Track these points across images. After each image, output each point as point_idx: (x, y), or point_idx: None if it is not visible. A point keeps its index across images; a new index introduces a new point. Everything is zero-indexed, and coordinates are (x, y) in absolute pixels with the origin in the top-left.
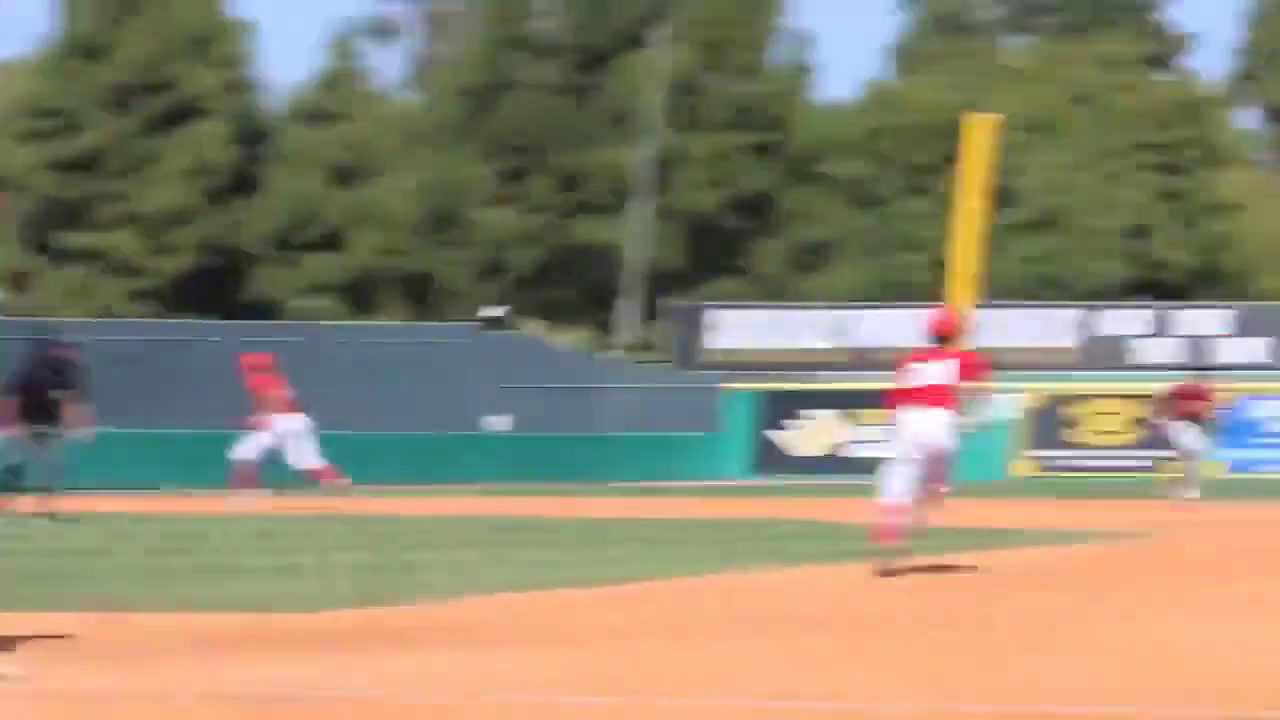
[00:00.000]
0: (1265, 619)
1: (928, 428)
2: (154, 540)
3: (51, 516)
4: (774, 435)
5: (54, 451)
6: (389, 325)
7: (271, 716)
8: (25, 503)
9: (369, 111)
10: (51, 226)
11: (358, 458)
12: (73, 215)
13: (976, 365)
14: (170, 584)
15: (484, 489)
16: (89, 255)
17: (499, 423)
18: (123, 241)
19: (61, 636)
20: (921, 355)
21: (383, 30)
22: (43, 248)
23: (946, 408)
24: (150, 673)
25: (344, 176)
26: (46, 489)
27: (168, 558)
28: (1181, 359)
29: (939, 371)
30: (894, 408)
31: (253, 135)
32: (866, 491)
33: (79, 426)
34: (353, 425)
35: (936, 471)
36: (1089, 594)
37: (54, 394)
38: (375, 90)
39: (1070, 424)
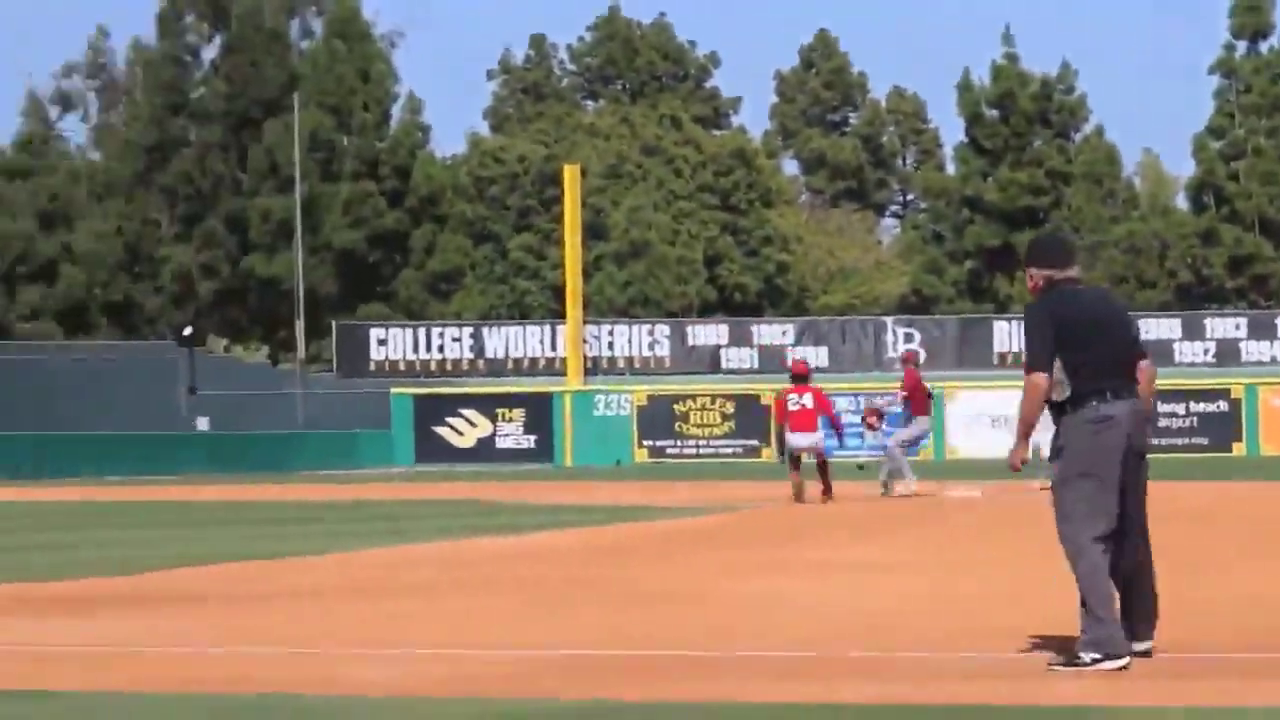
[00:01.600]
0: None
1: (806, 440)
2: None
3: None
4: (435, 430)
5: None
6: (102, 344)
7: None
8: None
9: (62, 166)
10: None
11: (83, 455)
12: None
13: (825, 397)
14: None
15: (187, 480)
16: None
17: (201, 423)
18: None
19: None
20: (791, 390)
21: (66, 101)
22: None
23: (813, 428)
24: None
25: (49, 221)
26: None
27: None
28: (756, 365)
29: (807, 401)
30: (783, 425)
31: None
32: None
33: None
34: (76, 428)
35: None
36: (696, 556)
37: None
38: (65, 149)
39: (676, 419)
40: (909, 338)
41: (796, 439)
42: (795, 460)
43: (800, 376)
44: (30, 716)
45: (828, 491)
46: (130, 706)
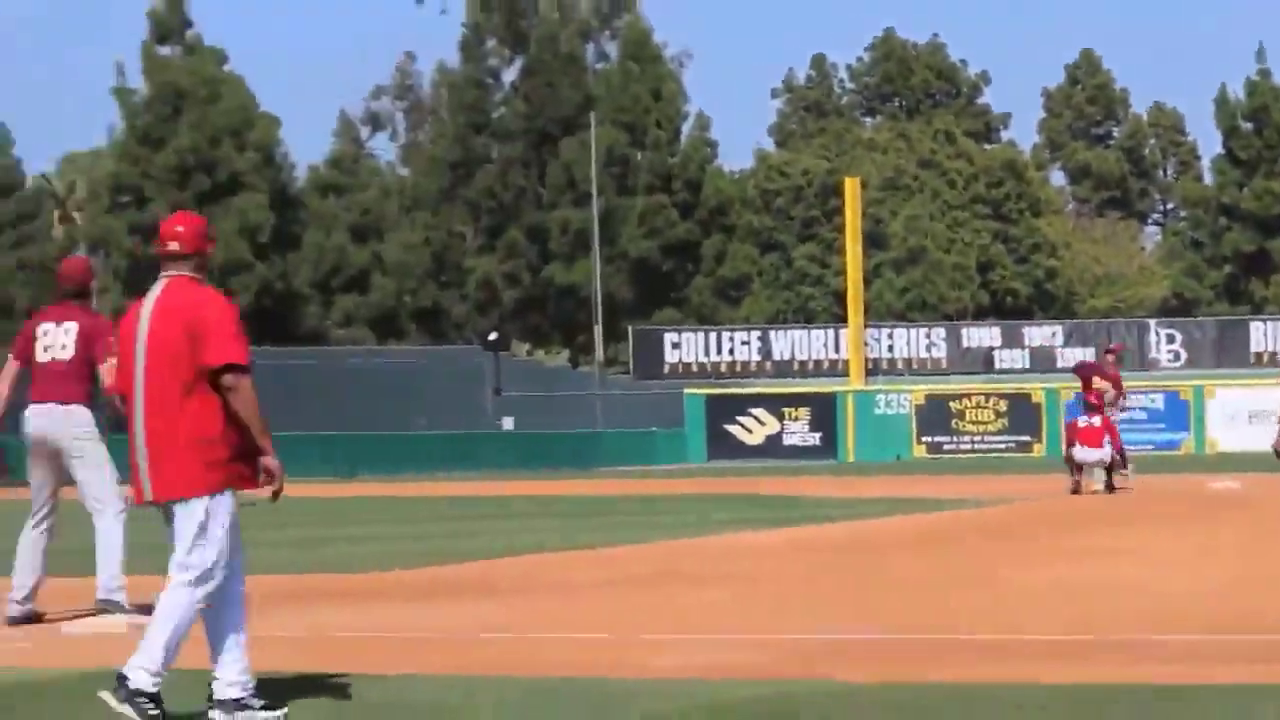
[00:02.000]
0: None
1: (1094, 455)
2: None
3: None
4: (726, 428)
5: None
6: (412, 349)
7: (367, 652)
8: None
9: (373, 183)
10: (137, 278)
11: (396, 454)
12: (152, 269)
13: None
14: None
15: (493, 476)
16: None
17: (507, 422)
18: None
19: None
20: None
21: (375, 121)
22: (133, 292)
23: (1100, 444)
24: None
25: (360, 234)
26: None
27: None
28: (1027, 365)
29: (1095, 421)
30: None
31: (284, 203)
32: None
33: None
34: (390, 428)
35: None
36: (977, 545)
37: None
38: (376, 166)
39: (952, 416)
40: (1170, 339)
41: (1085, 453)
42: (1079, 466)
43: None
44: (396, 697)
45: (1109, 488)
46: (456, 686)
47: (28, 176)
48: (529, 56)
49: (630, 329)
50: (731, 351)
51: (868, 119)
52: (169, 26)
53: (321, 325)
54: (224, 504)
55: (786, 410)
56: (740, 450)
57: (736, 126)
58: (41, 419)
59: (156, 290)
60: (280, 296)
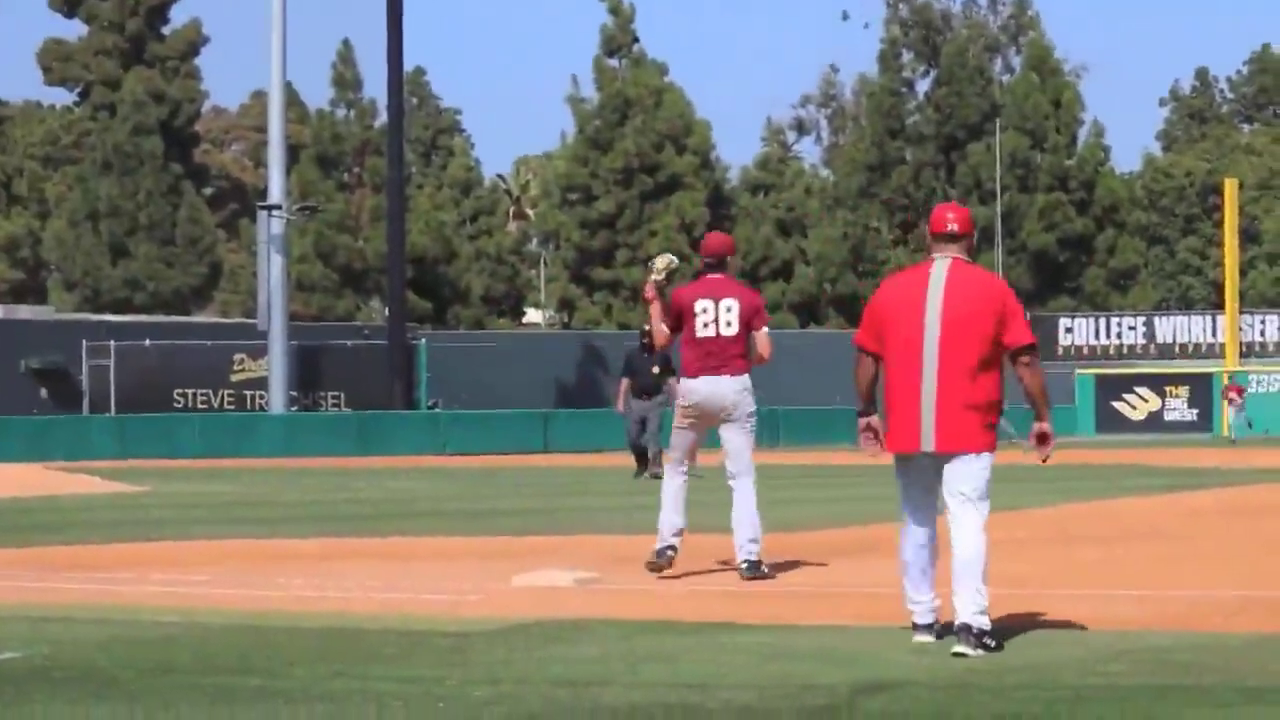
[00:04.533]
0: None
1: None
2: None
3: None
4: (1113, 405)
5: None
6: (832, 333)
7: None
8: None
9: (797, 182)
10: (586, 266)
11: (819, 426)
12: (599, 258)
13: None
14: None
15: None
16: (612, 286)
17: None
18: (636, 276)
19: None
20: None
21: (800, 126)
22: (580, 281)
23: None
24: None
25: (785, 229)
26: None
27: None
28: None
29: None
30: None
31: (718, 201)
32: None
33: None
34: (813, 403)
35: None
36: None
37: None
38: (800, 167)
39: None
40: None
41: None
42: None
43: None
44: (775, 644)
45: None
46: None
47: (485, 176)
48: (941, 69)
49: (1029, 315)
50: (1119, 335)
51: (1246, 125)
52: (618, 41)
53: None
54: (989, 462)
55: (1168, 389)
56: (1125, 425)
57: (1127, 132)
58: (709, 388)
59: (942, 268)
60: None
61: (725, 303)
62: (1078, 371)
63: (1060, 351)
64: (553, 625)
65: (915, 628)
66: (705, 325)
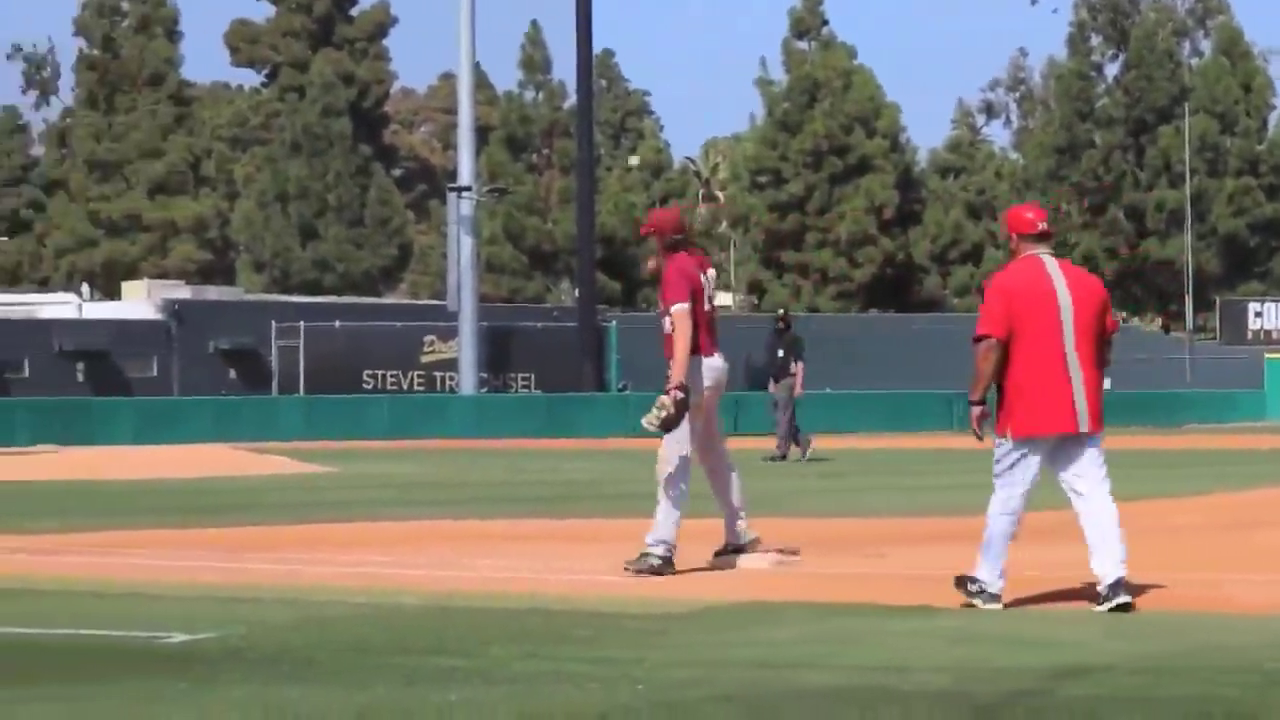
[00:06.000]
0: None
1: None
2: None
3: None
4: None
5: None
6: None
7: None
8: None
9: (987, 166)
10: (775, 249)
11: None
12: (789, 241)
13: None
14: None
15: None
16: (802, 268)
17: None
18: (825, 259)
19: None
20: None
21: (990, 109)
22: (769, 264)
23: None
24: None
25: (975, 212)
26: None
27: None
28: None
29: None
30: None
31: (907, 183)
32: None
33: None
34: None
35: None
36: None
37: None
38: (990, 150)
39: None
40: None
41: None
42: None
43: None
44: (966, 627)
45: None
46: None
47: (675, 159)
48: (1130, 52)
49: (1218, 299)
50: None
51: None
52: (807, 24)
53: (939, 294)
54: None
55: None
56: None
57: None
58: (723, 364)
59: (1054, 264)
60: (902, 267)
61: (710, 274)
62: (1267, 356)
63: (1249, 336)
64: (748, 607)
65: (993, 598)
66: (709, 298)
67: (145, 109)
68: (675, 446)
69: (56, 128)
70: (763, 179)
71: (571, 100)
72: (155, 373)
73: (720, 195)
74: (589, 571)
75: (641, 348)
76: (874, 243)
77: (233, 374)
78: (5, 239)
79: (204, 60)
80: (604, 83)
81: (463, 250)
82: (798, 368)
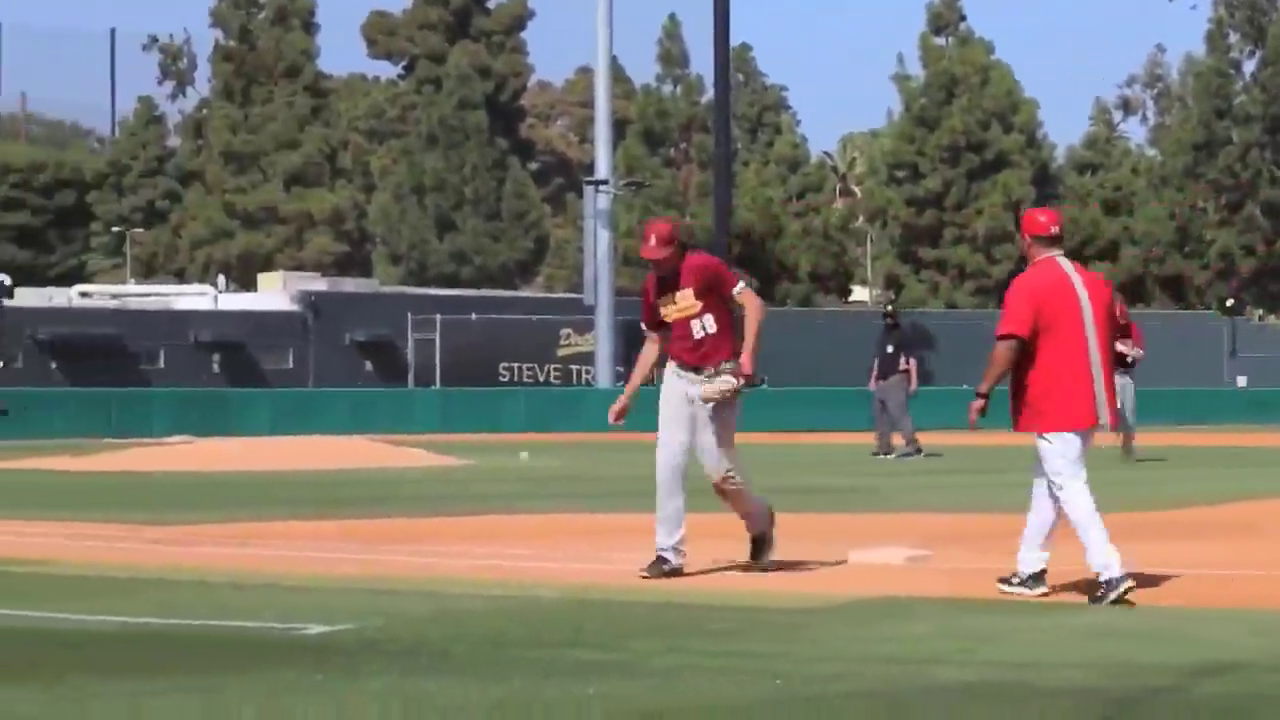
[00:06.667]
0: None
1: None
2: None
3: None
4: None
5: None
6: (1156, 313)
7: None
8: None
9: (1124, 162)
10: (912, 244)
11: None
12: (926, 237)
13: None
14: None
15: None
16: (939, 264)
17: (1240, 381)
18: (963, 254)
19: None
20: None
21: (1127, 106)
22: (907, 259)
23: None
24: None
25: (1112, 208)
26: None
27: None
28: None
29: None
30: None
31: (1044, 179)
32: None
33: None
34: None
35: None
36: None
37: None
38: (1126, 146)
39: None
40: None
41: None
42: None
43: None
44: (1102, 623)
45: None
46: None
47: (811, 154)
48: (1267, 49)
49: None
50: None
51: None
52: (944, 19)
53: None
54: None
55: None
56: None
57: None
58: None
59: (1066, 265)
60: None
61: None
62: None
63: None
64: (883, 603)
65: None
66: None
67: (282, 100)
68: (730, 451)
69: (192, 119)
70: (900, 174)
71: (709, 95)
72: (291, 364)
73: (857, 190)
74: (724, 565)
75: (779, 342)
76: (1011, 239)
77: (368, 366)
78: (141, 230)
79: (340, 52)
80: (741, 77)
81: (600, 244)
82: (910, 364)
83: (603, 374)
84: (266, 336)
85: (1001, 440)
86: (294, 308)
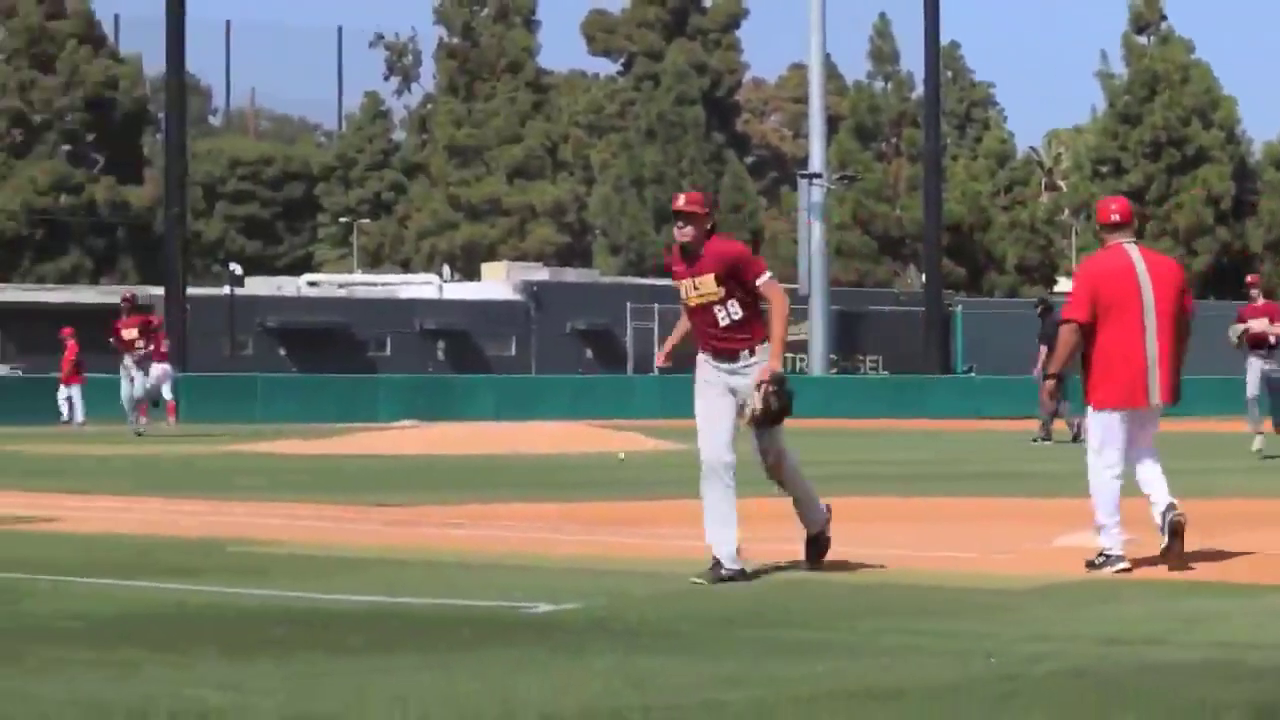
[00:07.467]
0: None
1: None
2: None
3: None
4: None
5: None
6: None
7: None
8: None
9: None
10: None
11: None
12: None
13: None
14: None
15: None
16: None
17: None
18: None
19: None
20: None
21: None
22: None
23: None
24: None
25: None
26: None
27: None
28: None
29: None
30: None
31: (1243, 174)
32: None
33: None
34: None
35: None
36: None
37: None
38: None
39: None
40: None
41: None
42: None
43: None
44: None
45: None
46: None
47: (1019, 149)
48: None
49: None
50: None
51: None
52: (1146, 18)
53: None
54: None
55: None
56: None
57: None
58: None
59: (1132, 251)
60: (1238, 257)
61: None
62: None
63: None
64: (1095, 584)
65: (1118, 560)
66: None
67: (504, 96)
68: (778, 432)
69: (417, 114)
70: (1103, 169)
71: (919, 91)
72: (514, 351)
73: (1062, 184)
74: (935, 548)
75: (987, 332)
76: (1211, 233)
77: (589, 353)
78: (367, 221)
79: (560, 49)
80: (950, 74)
81: (813, 235)
82: (1042, 350)
83: (816, 362)
84: (490, 324)
85: (1196, 427)
86: (517, 297)
